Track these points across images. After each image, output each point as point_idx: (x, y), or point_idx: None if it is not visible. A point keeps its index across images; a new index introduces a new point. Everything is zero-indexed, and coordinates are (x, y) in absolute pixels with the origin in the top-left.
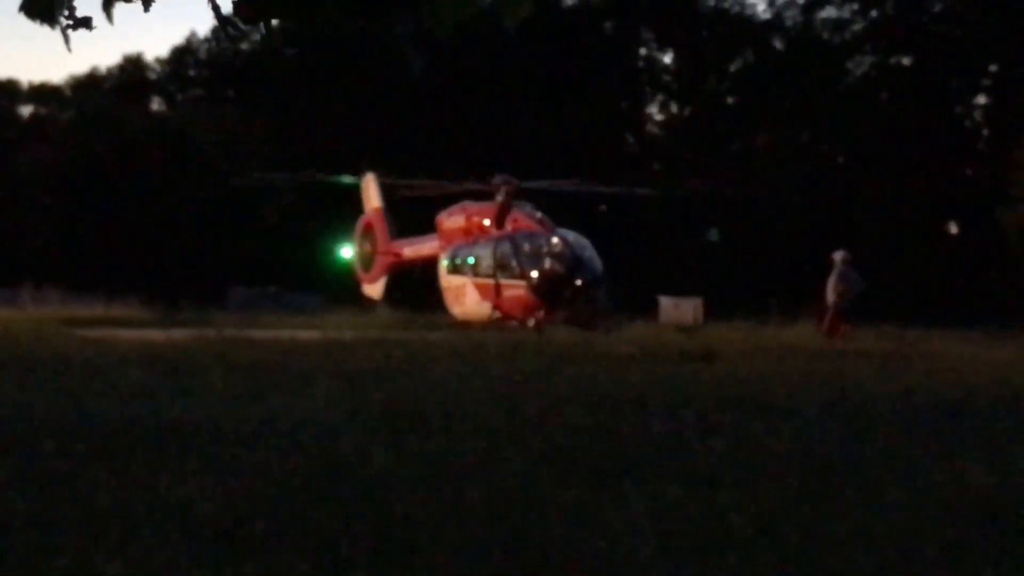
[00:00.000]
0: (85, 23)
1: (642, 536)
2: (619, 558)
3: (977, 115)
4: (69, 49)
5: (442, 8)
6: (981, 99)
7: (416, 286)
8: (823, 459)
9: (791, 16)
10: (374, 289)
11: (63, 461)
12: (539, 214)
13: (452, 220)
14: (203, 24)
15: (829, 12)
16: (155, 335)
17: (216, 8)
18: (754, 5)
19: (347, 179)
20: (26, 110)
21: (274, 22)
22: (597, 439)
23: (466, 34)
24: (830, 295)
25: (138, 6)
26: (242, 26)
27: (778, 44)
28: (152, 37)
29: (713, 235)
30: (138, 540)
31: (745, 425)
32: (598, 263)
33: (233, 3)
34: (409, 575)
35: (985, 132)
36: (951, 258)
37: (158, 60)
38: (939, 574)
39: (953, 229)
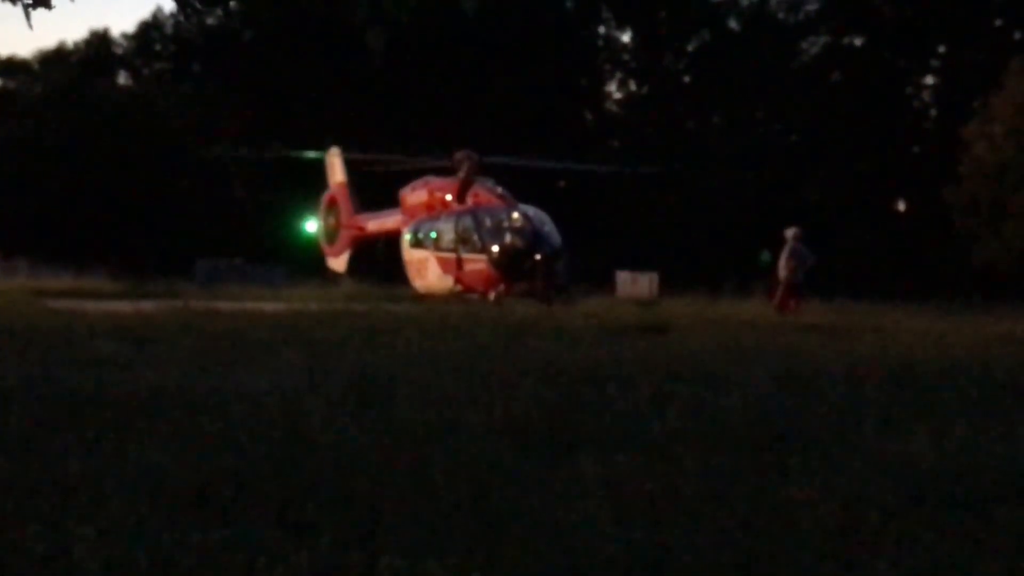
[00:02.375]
0: (44, 2)
1: (597, 504)
2: (575, 525)
3: (925, 95)
4: (30, 26)
5: None
6: (929, 80)
7: (379, 259)
8: (772, 429)
9: None
10: (338, 262)
11: (33, 429)
12: (500, 189)
13: (415, 195)
14: None
15: None
16: (123, 306)
17: None
18: None
19: (311, 154)
20: None
21: (232, 3)
22: (554, 410)
23: (428, 14)
24: (782, 270)
25: None
26: (200, 7)
27: (734, 24)
28: (118, 12)
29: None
30: (108, 506)
31: (698, 396)
32: (557, 238)
33: None
34: (373, 540)
35: (933, 112)
36: (899, 234)
37: (124, 35)
38: (882, 540)
39: (901, 206)
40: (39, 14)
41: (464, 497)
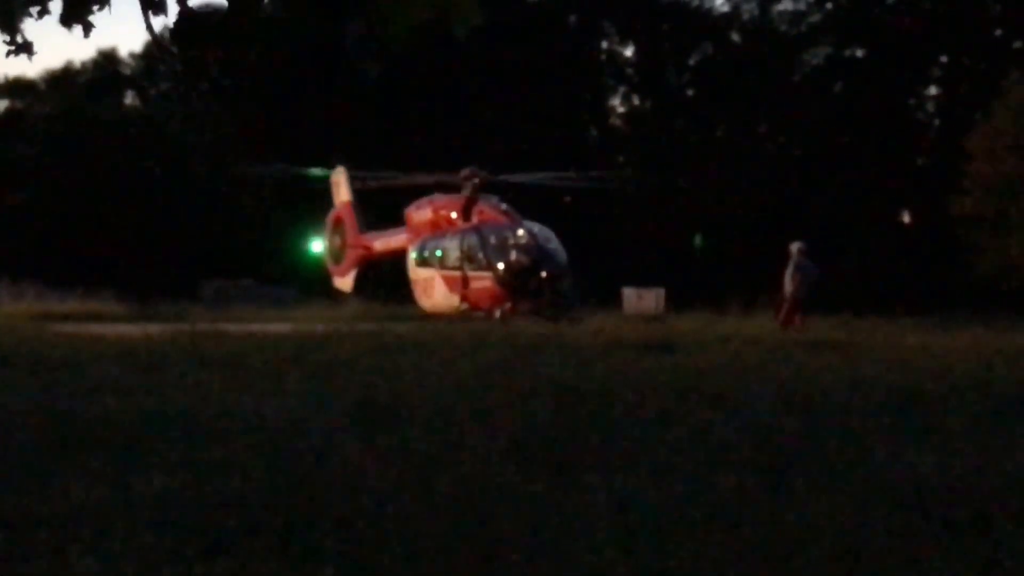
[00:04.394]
0: (26, 48)
1: (603, 525)
2: (579, 546)
3: (929, 106)
4: (30, 58)
5: (392, 16)
6: (932, 90)
7: (386, 279)
8: (777, 449)
9: (748, 9)
10: (345, 282)
11: (37, 457)
12: (505, 206)
13: (420, 213)
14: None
15: (785, 5)
16: (130, 330)
17: (153, 36)
18: None
19: (317, 172)
20: (1, 104)
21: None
22: (560, 430)
23: (421, 39)
24: (787, 285)
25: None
26: (177, 53)
27: (736, 37)
28: (126, 32)
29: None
30: (111, 536)
31: (704, 416)
32: (563, 254)
33: (170, 31)
34: (378, 567)
35: (936, 123)
36: (904, 247)
37: (132, 55)
38: (888, 562)
39: (906, 218)
40: (42, 34)
41: (469, 520)
